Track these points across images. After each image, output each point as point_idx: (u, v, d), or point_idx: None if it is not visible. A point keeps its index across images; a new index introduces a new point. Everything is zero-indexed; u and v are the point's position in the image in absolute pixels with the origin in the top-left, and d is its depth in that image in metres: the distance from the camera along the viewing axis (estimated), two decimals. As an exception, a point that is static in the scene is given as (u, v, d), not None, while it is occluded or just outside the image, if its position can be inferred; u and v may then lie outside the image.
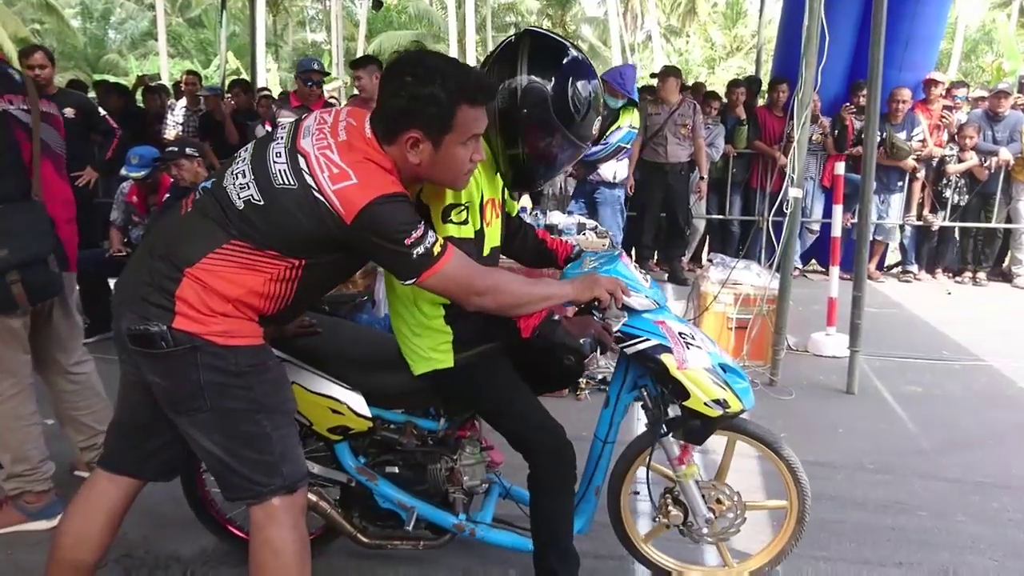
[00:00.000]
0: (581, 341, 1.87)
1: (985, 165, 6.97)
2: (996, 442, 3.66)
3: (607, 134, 5.42)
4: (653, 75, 8.01)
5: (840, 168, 5.08)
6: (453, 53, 19.88)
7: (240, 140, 6.69)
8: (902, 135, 6.78)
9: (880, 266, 7.52)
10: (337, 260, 1.79)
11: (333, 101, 8.56)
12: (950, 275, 7.46)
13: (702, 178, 6.76)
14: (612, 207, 5.97)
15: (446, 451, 2.23)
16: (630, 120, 5.51)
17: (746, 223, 7.43)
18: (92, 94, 7.93)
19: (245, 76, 15.27)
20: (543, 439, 2.04)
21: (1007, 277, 7.38)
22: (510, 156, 1.96)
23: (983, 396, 4.30)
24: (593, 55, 24.61)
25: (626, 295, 1.98)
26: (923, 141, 6.94)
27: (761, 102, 8.05)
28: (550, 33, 2.02)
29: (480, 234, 1.97)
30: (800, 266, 7.21)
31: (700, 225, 7.54)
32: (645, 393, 2.15)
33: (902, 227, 7.37)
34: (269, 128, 5.46)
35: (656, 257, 7.30)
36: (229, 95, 8.08)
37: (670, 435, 2.16)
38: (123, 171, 4.68)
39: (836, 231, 4.90)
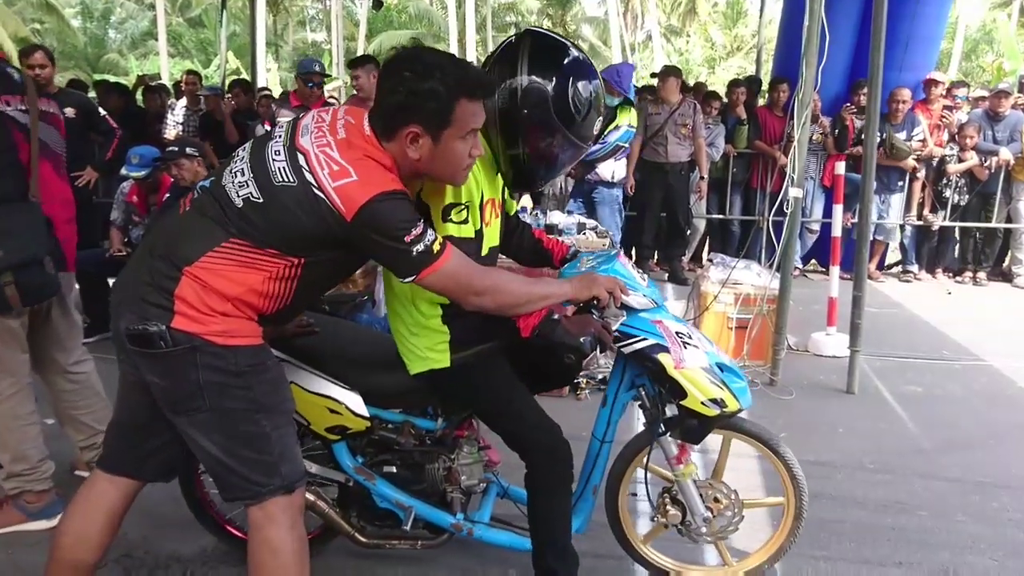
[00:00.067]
0: (581, 340, 1.87)
1: (985, 165, 6.96)
2: (996, 442, 3.66)
3: (605, 133, 5.41)
4: (653, 75, 8.00)
5: (840, 168, 5.09)
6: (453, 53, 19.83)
7: (240, 140, 6.68)
8: (902, 135, 6.78)
9: (880, 266, 7.51)
10: (337, 258, 1.79)
11: (333, 101, 8.55)
12: (950, 275, 7.46)
13: (702, 178, 6.75)
14: (610, 206, 5.97)
15: (444, 450, 2.23)
16: (628, 119, 5.51)
17: (746, 223, 7.43)
18: (92, 94, 7.94)
19: (245, 76, 15.29)
20: (539, 438, 2.04)
21: (1007, 277, 7.37)
22: (511, 156, 1.96)
23: (983, 396, 4.30)
24: (593, 55, 24.59)
25: (625, 294, 1.98)
26: (923, 141, 6.94)
27: (761, 102, 8.05)
28: (551, 33, 2.01)
29: (480, 234, 1.97)
30: (800, 266, 7.20)
31: (700, 225, 7.54)
32: (643, 392, 2.15)
33: (902, 227, 7.37)
34: (269, 128, 5.47)
35: (656, 257, 7.29)
36: (229, 95, 8.08)
37: (668, 434, 2.16)
38: (123, 171, 4.68)
39: (836, 231, 4.90)
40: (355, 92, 5.38)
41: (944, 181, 7.15)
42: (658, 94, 6.70)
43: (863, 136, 5.00)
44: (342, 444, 2.19)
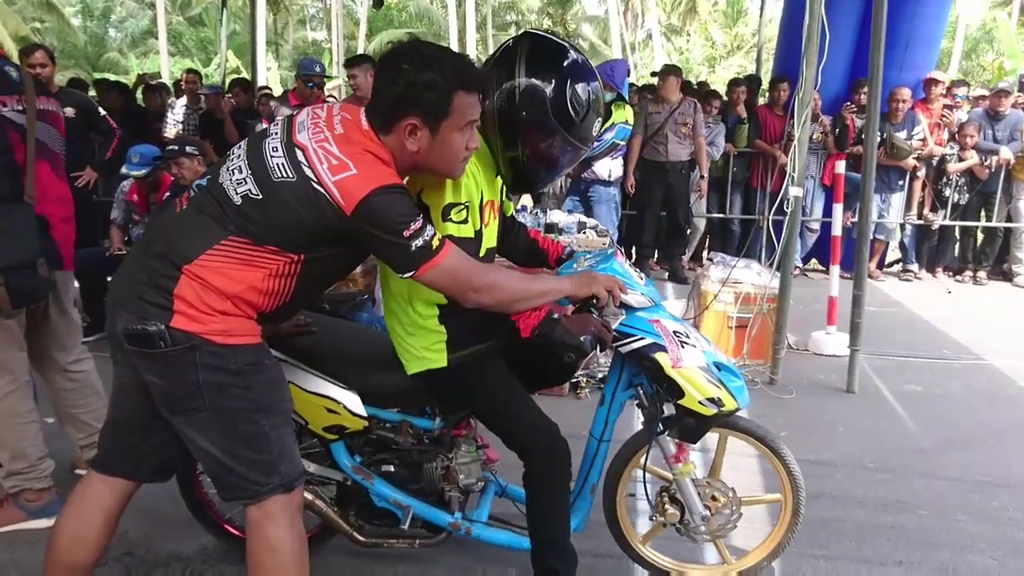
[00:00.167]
0: (581, 339, 1.87)
1: (985, 164, 6.96)
2: (996, 441, 3.66)
3: (601, 131, 5.40)
4: (654, 74, 8.00)
5: (840, 167, 5.08)
6: (454, 52, 19.80)
7: (240, 139, 6.67)
8: (902, 134, 6.77)
9: (880, 265, 7.51)
10: (336, 254, 1.79)
11: (332, 100, 8.55)
12: (950, 274, 7.46)
13: (702, 177, 6.75)
14: (607, 205, 5.96)
15: (442, 450, 2.23)
16: (623, 116, 5.50)
17: (746, 222, 7.43)
18: (92, 92, 7.94)
19: (245, 75, 15.30)
20: (537, 437, 2.04)
21: (1007, 276, 7.36)
22: (510, 158, 1.96)
23: (983, 395, 4.29)
24: (594, 54, 24.57)
25: (623, 293, 1.98)
26: (923, 140, 6.93)
27: (762, 101, 8.05)
28: (550, 35, 2.01)
29: (479, 234, 1.97)
30: (800, 265, 7.20)
31: (700, 224, 7.54)
32: (640, 391, 2.16)
33: (902, 226, 7.37)
34: (267, 126, 5.44)
35: (656, 256, 7.29)
36: (229, 94, 8.08)
37: (666, 433, 2.16)
38: (124, 169, 4.68)
39: (836, 230, 4.90)
40: (353, 91, 5.38)
41: (944, 180, 7.15)
42: (658, 93, 6.70)
43: (863, 135, 5.00)
44: (340, 443, 2.19)
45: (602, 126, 5.46)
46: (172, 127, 7.37)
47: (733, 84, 7.60)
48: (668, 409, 2.13)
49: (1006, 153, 6.84)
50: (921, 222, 7.29)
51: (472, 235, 1.93)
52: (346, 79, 6.51)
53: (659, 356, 2.00)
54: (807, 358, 4.86)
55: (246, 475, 1.76)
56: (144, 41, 28.28)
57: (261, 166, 1.71)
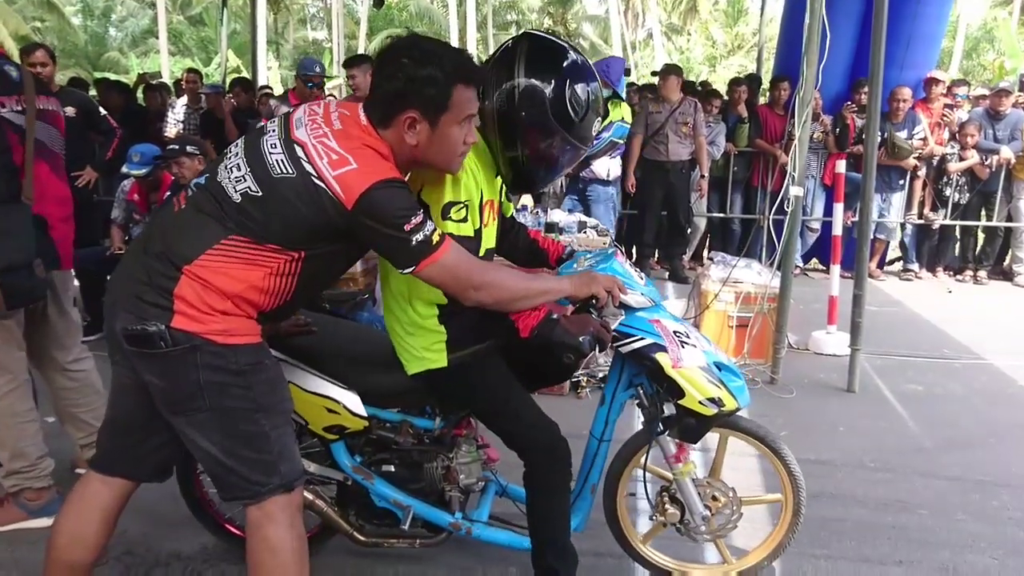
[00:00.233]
0: (580, 339, 1.87)
1: (986, 163, 6.96)
2: (996, 440, 3.65)
3: (599, 130, 5.38)
4: (654, 73, 7.99)
5: (841, 166, 5.08)
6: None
7: (241, 138, 6.68)
8: (903, 134, 6.77)
9: (881, 264, 7.51)
10: (337, 251, 1.79)
11: (332, 99, 8.55)
12: (951, 273, 7.45)
13: (703, 176, 6.74)
14: (605, 204, 5.96)
15: (442, 449, 2.23)
16: (620, 114, 5.49)
17: (747, 221, 7.43)
18: (93, 92, 7.93)
19: (246, 74, 15.29)
20: (537, 437, 2.04)
21: (1008, 275, 7.36)
22: (510, 158, 1.96)
23: (984, 394, 4.29)
24: (594, 53, 24.56)
25: (623, 293, 1.98)
26: (924, 140, 6.92)
27: (762, 100, 8.04)
28: (549, 35, 2.01)
29: (478, 233, 1.97)
30: (801, 264, 7.20)
31: (701, 223, 7.53)
32: (641, 392, 2.15)
33: (903, 225, 7.36)
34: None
35: (657, 255, 7.29)
36: (230, 93, 8.08)
37: (666, 433, 2.16)
38: (124, 169, 4.68)
39: (837, 229, 4.90)
40: (353, 91, 5.38)
41: (945, 180, 7.15)
42: (659, 92, 6.69)
43: (864, 135, 5.00)
44: (340, 443, 2.19)
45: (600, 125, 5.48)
46: (173, 127, 7.37)
47: (734, 83, 7.59)
48: (668, 409, 2.13)
49: (1007, 153, 6.83)
50: (922, 222, 7.29)
51: (471, 234, 1.93)
52: (346, 79, 6.51)
53: (659, 356, 1.99)
54: (807, 358, 4.85)
55: (246, 475, 1.76)
56: (144, 40, 28.28)
57: (260, 163, 1.70)
